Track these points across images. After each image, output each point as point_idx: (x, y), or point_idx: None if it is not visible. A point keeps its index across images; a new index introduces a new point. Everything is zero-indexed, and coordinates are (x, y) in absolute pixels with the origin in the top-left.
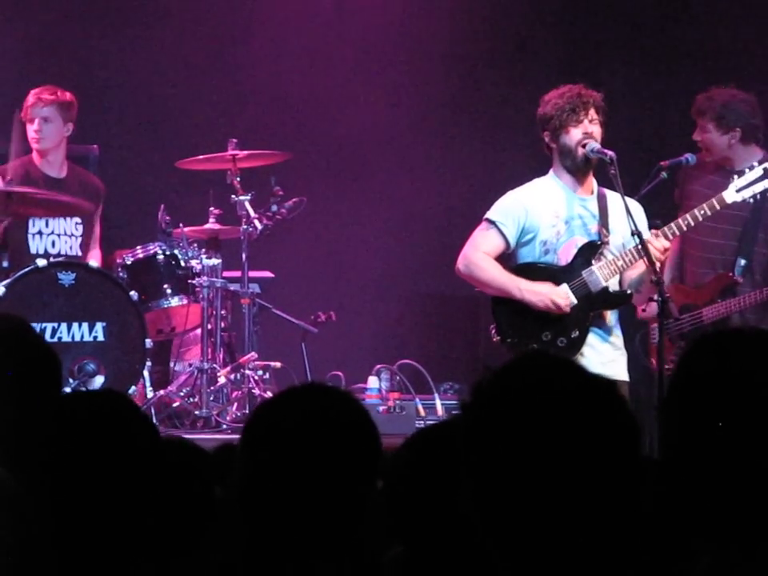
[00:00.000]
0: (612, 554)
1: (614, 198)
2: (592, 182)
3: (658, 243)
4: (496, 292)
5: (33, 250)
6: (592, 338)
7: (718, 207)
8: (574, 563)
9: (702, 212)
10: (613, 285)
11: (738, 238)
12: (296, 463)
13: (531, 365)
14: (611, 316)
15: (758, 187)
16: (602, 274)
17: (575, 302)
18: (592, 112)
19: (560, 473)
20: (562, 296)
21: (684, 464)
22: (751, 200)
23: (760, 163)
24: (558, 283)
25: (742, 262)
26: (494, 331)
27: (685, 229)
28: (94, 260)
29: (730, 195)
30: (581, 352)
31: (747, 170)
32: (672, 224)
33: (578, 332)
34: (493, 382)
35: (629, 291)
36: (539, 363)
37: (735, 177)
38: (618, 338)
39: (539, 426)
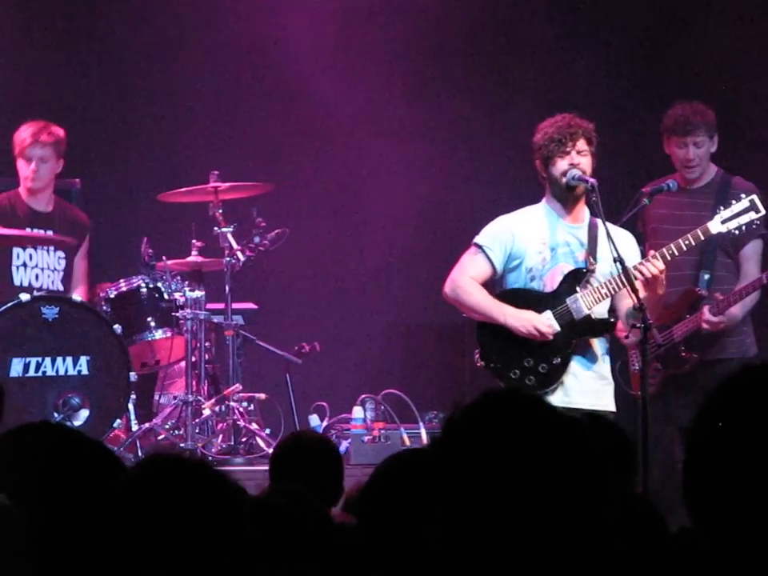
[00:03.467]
0: None
1: (604, 227)
2: (582, 210)
3: (653, 267)
4: (480, 317)
5: (17, 282)
6: (574, 366)
7: (702, 238)
8: None
9: (686, 242)
10: (600, 313)
11: (699, 252)
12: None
13: (499, 402)
14: (598, 345)
15: (744, 219)
16: (586, 302)
17: (558, 329)
18: (580, 143)
19: (523, 508)
20: (545, 322)
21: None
22: (708, 212)
23: (716, 177)
24: (541, 309)
25: (705, 276)
26: (477, 356)
27: (684, 250)
28: (78, 295)
29: (715, 226)
30: (561, 380)
31: (733, 201)
32: (672, 245)
33: (559, 359)
34: (461, 418)
35: (612, 319)
36: (507, 400)
37: (721, 208)
38: (603, 366)
39: (504, 461)
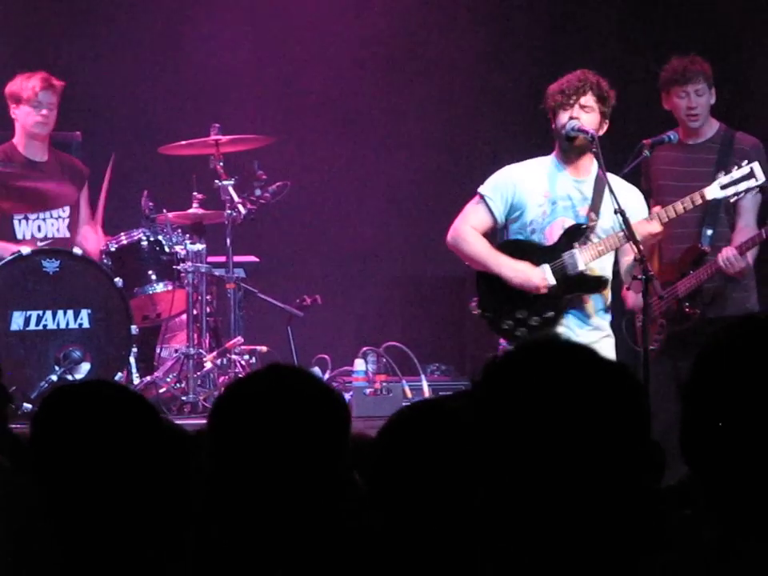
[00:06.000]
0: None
1: (615, 182)
2: (589, 164)
3: (650, 227)
4: (478, 266)
5: (19, 236)
6: (570, 321)
7: (700, 201)
8: (578, 542)
9: (685, 204)
10: (601, 268)
11: (702, 208)
12: (263, 442)
13: (543, 346)
14: (595, 301)
15: (742, 186)
16: (582, 258)
17: (553, 282)
18: (587, 98)
19: (569, 453)
20: (538, 275)
21: (705, 447)
22: (711, 168)
23: (719, 132)
24: (539, 262)
25: (709, 231)
26: (474, 304)
27: (683, 212)
28: (88, 235)
29: (712, 192)
30: (554, 333)
31: (734, 168)
32: (670, 207)
33: (552, 313)
34: (505, 361)
35: (604, 277)
36: (552, 345)
37: (722, 173)
38: (600, 320)
39: (550, 404)
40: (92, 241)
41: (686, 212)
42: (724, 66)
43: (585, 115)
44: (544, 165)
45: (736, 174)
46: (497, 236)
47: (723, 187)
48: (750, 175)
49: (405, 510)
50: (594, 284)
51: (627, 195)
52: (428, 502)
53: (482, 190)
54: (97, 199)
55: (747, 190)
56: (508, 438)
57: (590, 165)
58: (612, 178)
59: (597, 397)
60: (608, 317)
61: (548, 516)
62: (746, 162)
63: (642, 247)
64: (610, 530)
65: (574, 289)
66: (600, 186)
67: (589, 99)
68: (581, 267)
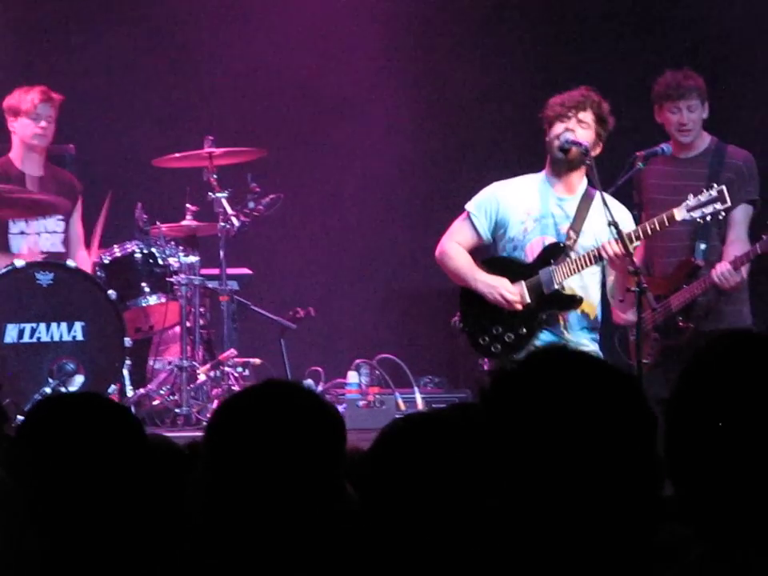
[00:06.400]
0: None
1: (600, 200)
2: (579, 181)
3: (610, 249)
4: (460, 281)
5: (15, 250)
6: (545, 337)
7: (667, 224)
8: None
9: (652, 226)
10: (581, 287)
11: (695, 222)
12: (259, 457)
13: (553, 355)
14: (572, 319)
15: (708, 209)
16: (557, 275)
17: (528, 300)
18: (585, 114)
19: (577, 462)
20: (512, 291)
21: (688, 462)
22: (702, 182)
23: (710, 147)
24: (516, 279)
25: (702, 245)
26: (457, 318)
27: (650, 234)
28: (83, 260)
29: (680, 213)
30: (526, 350)
31: (707, 190)
32: (638, 228)
33: (525, 330)
34: (515, 370)
35: (578, 296)
36: (561, 355)
37: (691, 196)
38: (581, 339)
39: (559, 414)
40: (88, 268)
41: (662, 230)
42: (715, 78)
43: (581, 130)
44: (532, 182)
45: (703, 196)
46: (489, 252)
47: (690, 209)
48: (718, 198)
49: (400, 523)
50: (568, 302)
51: (616, 215)
52: (423, 514)
53: (468, 206)
54: (92, 222)
55: (714, 213)
56: (520, 446)
57: (578, 183)
58: (602, 196)
59: (609, 405)
60: (592, 335)
61: (558, 523)
62: (716, 185)
63: (634, 260)
64: (618, 540)
65: (549, 306)
66: (586, 204)
67: (587, 116)
68: (555, 285)
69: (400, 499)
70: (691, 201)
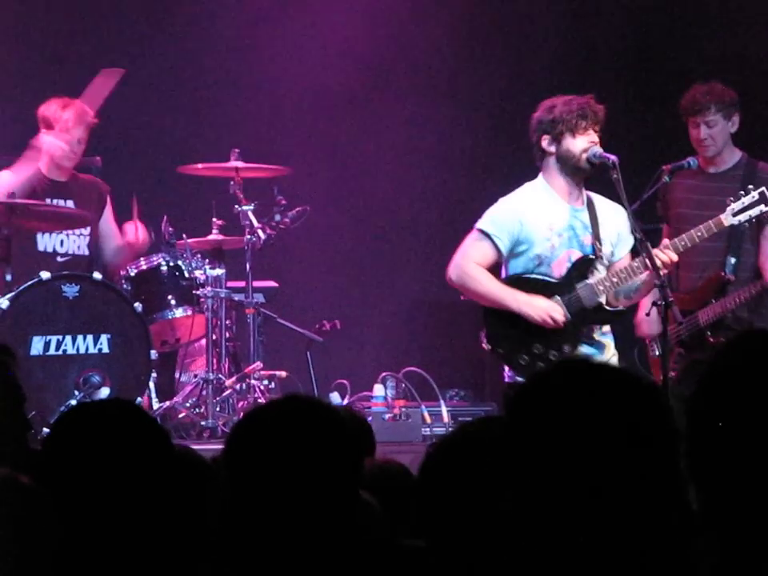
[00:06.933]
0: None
1: (600, 203)
2: (581, 192)
3: (665, 256)
4: (490, 303)
5: (41, 248)
6: (584, 351)
7: (715, 230)
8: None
9: (699, 234)
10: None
11: (726, 237)
12: (277, 471)
13: (577, 367)
14: (598, 328)
15: (754, 211)
16: (598, 290)
17: (569, 316)
18: (596, 127)
19: (602, 473)
20: (559, 310)
21: (710, 465)
22: (733, 198)
23: (741, 162)
24: (550, 296)
25: (732, 260)
26: (484, 340)
27: (697, 242)
28: (120, 250)
29: (728, 218)
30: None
31: (742, 195)
32: (684, 236)
33: (569, 347)
34: (539, 382)
35: (622, 308)
36: (585, 367)
37: (730, 200)
38: (607, 341)
39: (584, 424)
40: (140, 234)
41: (701, 240)
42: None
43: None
44: (541, 196)
45: (746, 199)
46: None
47: (735, 214)
48: (761, 200)
49: (451, 539)
50: (613, 315)
51: (616, 219)
52: (475, 530)
53: (483, 226)
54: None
55: (761, 214)
56: (545, 458)
57: (581, 193)
58: (596, 197)
59: (633, 416)
60: (611, 336)
61: (581, 534)
62: (753, 187)
63: (662, 273)
64: (643, 549)
65: (591, 321)
66: (593, 211)
67: (596, 128)
68: (598, 299)
69: (452, 515)
70: (735, 205)
